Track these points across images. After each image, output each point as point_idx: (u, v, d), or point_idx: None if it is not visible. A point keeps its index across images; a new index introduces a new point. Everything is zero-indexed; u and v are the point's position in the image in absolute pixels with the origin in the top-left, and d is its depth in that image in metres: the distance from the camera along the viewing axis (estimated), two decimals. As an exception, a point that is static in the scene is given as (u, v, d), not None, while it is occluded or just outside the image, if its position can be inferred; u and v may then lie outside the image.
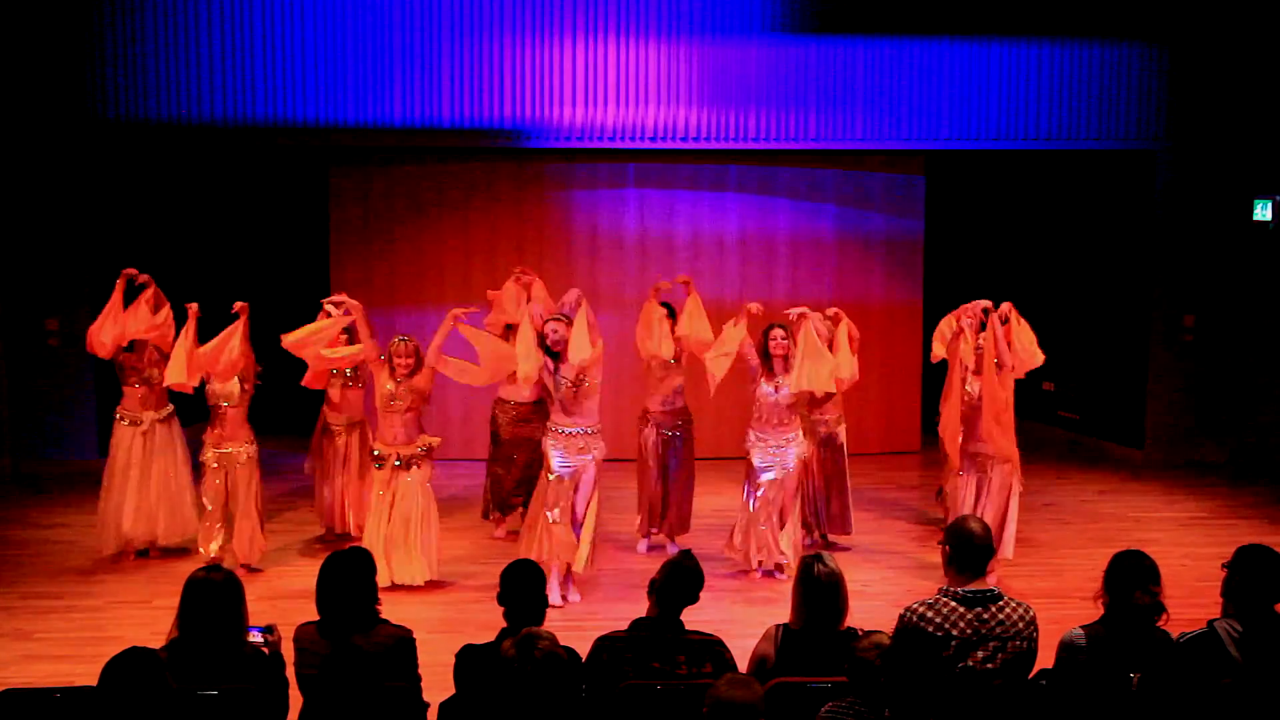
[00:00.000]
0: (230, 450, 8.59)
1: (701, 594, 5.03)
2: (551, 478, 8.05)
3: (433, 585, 8.32)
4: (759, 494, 8.55)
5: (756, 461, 8.57)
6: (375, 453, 8.39)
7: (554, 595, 7.90)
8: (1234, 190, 11.93)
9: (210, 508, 8.60)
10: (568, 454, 8.06)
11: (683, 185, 12.42)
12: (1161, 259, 12.15)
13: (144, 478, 8.90)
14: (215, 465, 8.60)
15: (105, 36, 10.96)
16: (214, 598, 4.65)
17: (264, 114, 11.07)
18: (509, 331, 9.13)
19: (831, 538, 9.42)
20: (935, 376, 9.92)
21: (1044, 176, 13.26)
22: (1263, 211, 11.59)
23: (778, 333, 8.46)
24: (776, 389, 8.43)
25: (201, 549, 8.60)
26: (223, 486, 8.58)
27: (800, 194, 12.53)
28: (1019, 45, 11.58)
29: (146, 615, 7.64)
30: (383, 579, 8.05)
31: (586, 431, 8.10)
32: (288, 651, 4.86)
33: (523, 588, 4.80)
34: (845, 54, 11.43)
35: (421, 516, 8.29)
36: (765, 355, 8.48)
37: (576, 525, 8.10)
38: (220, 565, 4.83)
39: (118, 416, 9.03)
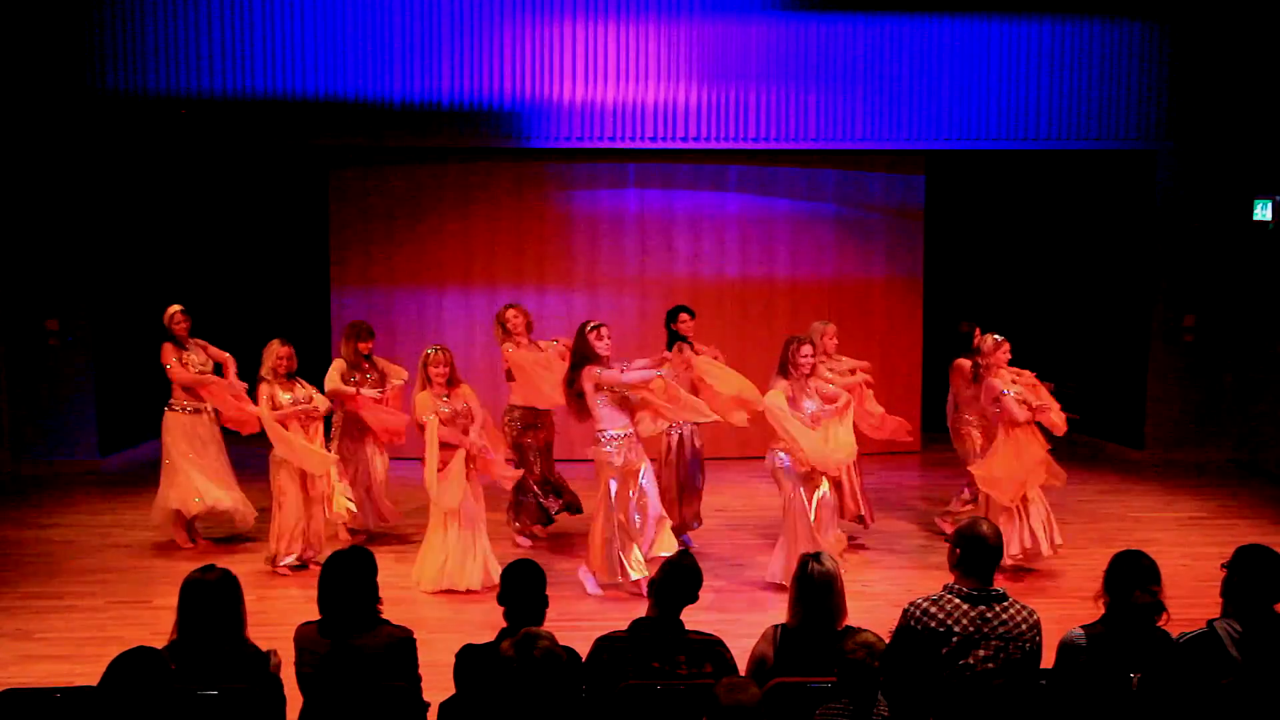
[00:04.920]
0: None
1: (701, 594, 5.03)
2: (615, 483, 8.12)
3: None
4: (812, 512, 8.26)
5: (789, 465, 8.24)
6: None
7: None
8: (1234, 190, 11.93)
9: (283, 508, 8.49)
10: (633, 452, 8.15)
11: (683, 185, 12.43)
12: (1161, 259, 12.15)
13: (201, 460, 9.16)
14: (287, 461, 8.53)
15: (104, 8, 10.94)
16: (210, 598, 4.65)
17: (263, 87, 11.06)
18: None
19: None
20: (935, 378, 9.94)
21: (1044, 176, 13.26)
22: (1263, 211, 11.58)
23: (806, 349, 8.20)
24: (817, 404, 8.23)
25: (277, 555, 8.52)
26: (300, 483, 8.51)
27: (800, 194, 12.53)
28: (1019, 23, 11.56)
29: (147, 615, 7.63)
30: (444, 584, 8.15)
31: (633, 430, 8.21)
32: (288, 669, 4.85)
33: (523, 588, 4.80)
34: (845, 32, 11.41)
35: (479, 519, 8.37)
36: (791, 365, 8.18)
37: (660, 520, 8.22)
38: (215, 565, 4.81)
39: (171, 407, 9.21)
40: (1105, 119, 11.77)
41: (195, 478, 9.13)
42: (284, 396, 8.56)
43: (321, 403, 8.76)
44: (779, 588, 8.17)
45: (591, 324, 8.18)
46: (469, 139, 11.39)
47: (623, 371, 8.15)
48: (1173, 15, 11.73)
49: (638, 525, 8.13)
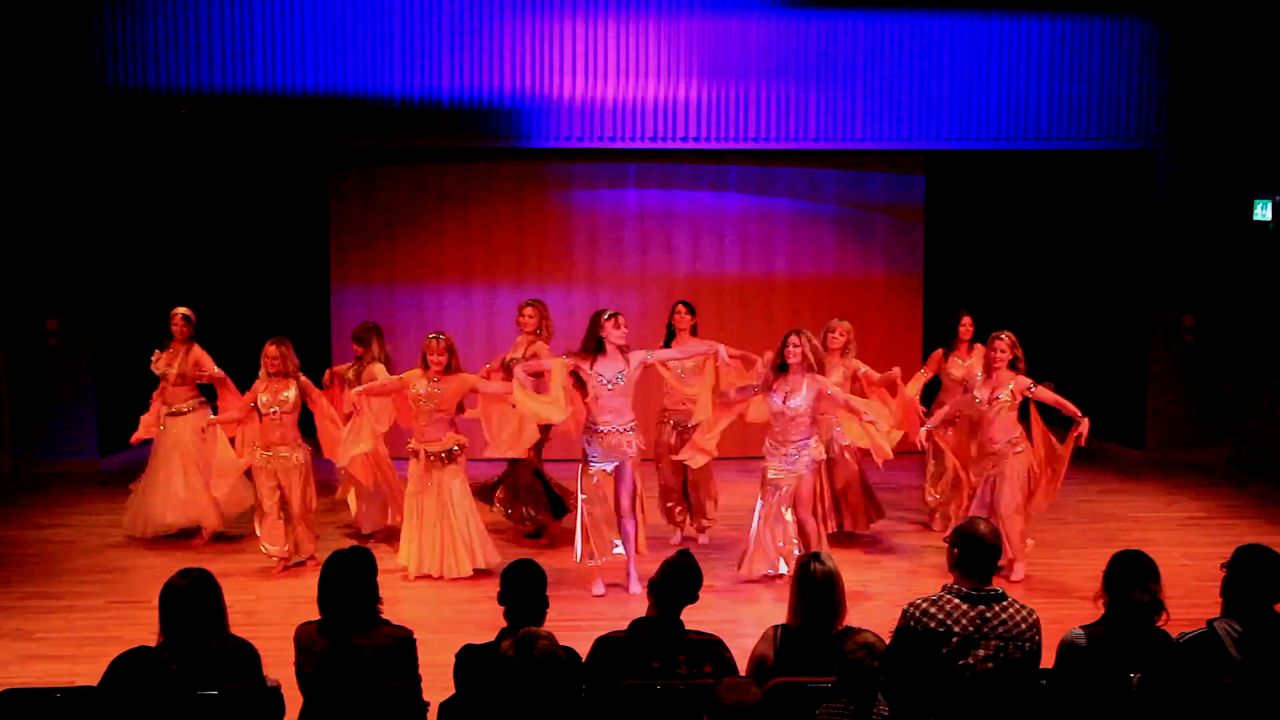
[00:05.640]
0: (284, 453, 8.65)
1: (701, 594, 5.03)
2: (591, 475, 8.18)
3: (480, 575, 8.45)
4: (767, 508, 8.29)
5: (770, 473, 8.24)
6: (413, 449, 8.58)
7: (599, 588, 8.28)
8: (1234, 190, 11.92)
9: (266, 508, 8.66)
10: (606, 451, 8.12)
11: (683, 185, 12.43)
12: (1161, 259, 12.14)
13: (169, 466, 9.32)
14: (266, 466, 8.64)
15: (104, 4, 10.91)
16: (188, 601, 4.67)
17: (263, 84, 11.05)
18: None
19: (850, 530, 9.45)
20: (935, 383, 9.95)
21: (1044, 176, 13.26)
22: (1263, 211, 11.58)
23: (793, 339, 8.09)
24: (785, 398, 8.09)
25: (268, 548, 8.70)
26: (276, 488, 8.65)
27: (800, 194, 12.53)
28: (1019, 21, 11.54)
29: (147, 615, 7.53)
30: (411, 571, 8.33)
31: (621, 429, 8.13)
32: (287, 671, 4.85)
33: (523, 587, 4.80)
34: (845, 29, 11.38)
35: (457, 509, 8.46)
36: (781, 361, 8.13)
37: (624, 519, 8.21)
38: (191, 569, 4.82)
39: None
40: (1105, 119, 11.76)
41: (142, 495, 9.32)
42: (261, 398, 8.63)
43: (311, 399, 8.79)
44: (778, 585, 8.19)
45: (609, 312, 8.18)
46: (469, 138, 11.38)
47: (643, 362, 8.18)
48: (1173, 14, 11.73)
49: (600, 516, 8.21)
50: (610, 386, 8.07)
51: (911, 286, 12.82)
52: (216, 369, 9.21)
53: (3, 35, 11.02)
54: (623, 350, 8.10)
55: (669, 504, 9.57)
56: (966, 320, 9.63)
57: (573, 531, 8.43)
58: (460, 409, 8.72)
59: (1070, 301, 13.21)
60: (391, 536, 9.21)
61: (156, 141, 11.36)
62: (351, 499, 9.45)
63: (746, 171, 12.41)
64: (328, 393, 9.25)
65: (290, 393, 8.61)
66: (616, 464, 8.18)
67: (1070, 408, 8.40)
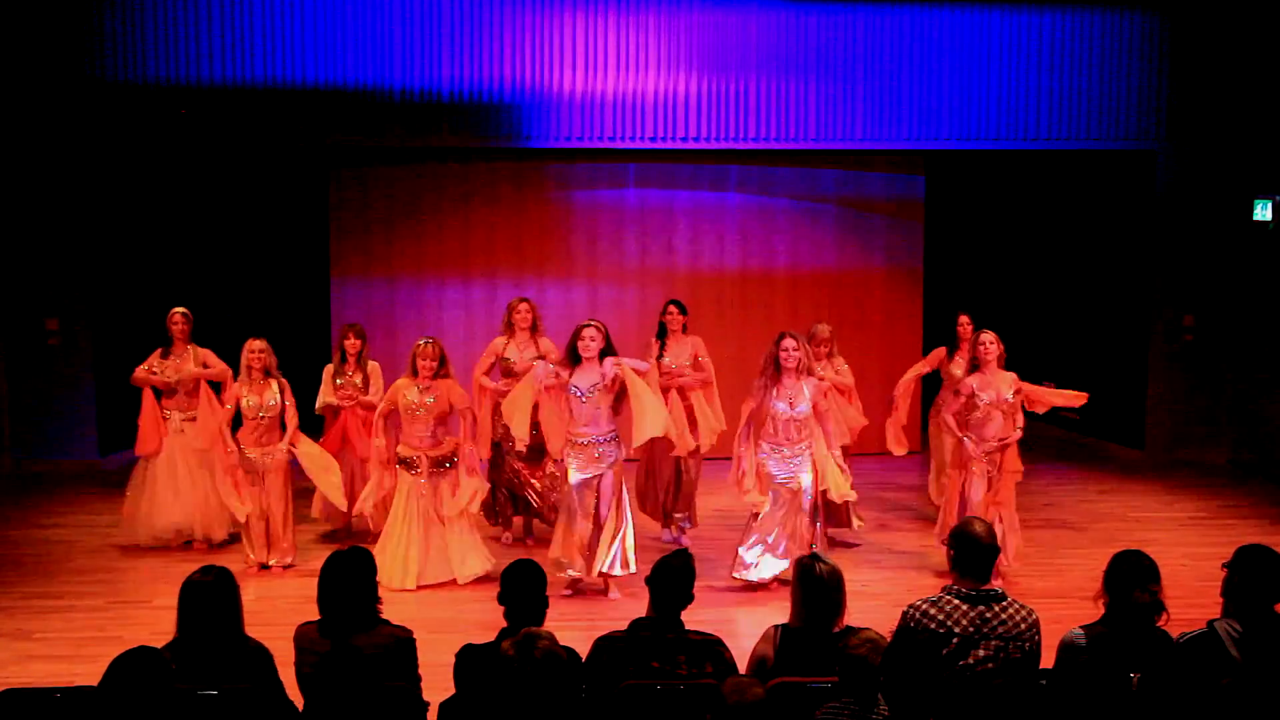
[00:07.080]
0: (266, 456, 8.63)
1: (702, 594, 5.02)
2: (570, 486, 8.13)
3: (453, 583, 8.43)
4: (767, 510, 8.27)
5: (772, 469, 8.24)
6: (402, 457, 8.48)
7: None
8: (1234, 190, 11.92)
9: (248, 513, 8.61)
10: (585, 462, 8.08)
11: (683, 185, 12.43)
12: (1161, 259, 12.14)
13: (171, 472, 9.21)
14: (251, 470, 8.61)
15: None
16: (207, 598, 4.67)
17: (263, 78, 11.03)
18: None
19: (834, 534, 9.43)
20: (934, 375, 9.96)
21: (1044, 175, 13.26)
22: (1263, 211, 11.58)
23: (789, 343, 8.06)
24: (791, 404, 8.07)
25: (251, 555, 8.65)
26: (259, 491, 8.61)
27: (800, 193, 12.53)
28: (1019, 16, 11.53)
29: (147, 615, 7.63)
30: (409, 581, 8.16)
31: (600, 439, 8.08)
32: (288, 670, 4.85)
33: (523, 588, 4.80)
34: (844, 25, 11.37)
35: (459, 513, 8.41)
36: (776, 366, 8.11)
37: (602, 530, 8.13)
38: (213, 566, 4.82)
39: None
40: (1105, 118, 11.76)
41: (148, 502, 9.22)
42: (248, 400, 8.59)
43: (291, 416, 8.74)
44: (778, 586, 8.18)
45: (586, 322, 8.20)
46: (468, 137, 11.37)
47: (615, 365, 8.07)
48: (1173, 11, 11.72)
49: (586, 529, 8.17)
50: (584, 398, 8.03)
51: (912, 284, 12.82)
52: (222, 362, 9.16)
53: (1, 29, 10.99)
54: (599, 360, 8.03)
55: (661, 501, 9.54)
56: (964, 320, 9.63)
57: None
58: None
59: (1070, 301, 13.21)
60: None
61: (156, 136, 11.31)
62: (318, 499, 9.39)
63: (746, 171, 12.41)
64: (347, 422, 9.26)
65: (274, 398, 8.61)
66: (599, 475, 8.10)
67: (1064, 395, 8.58)
